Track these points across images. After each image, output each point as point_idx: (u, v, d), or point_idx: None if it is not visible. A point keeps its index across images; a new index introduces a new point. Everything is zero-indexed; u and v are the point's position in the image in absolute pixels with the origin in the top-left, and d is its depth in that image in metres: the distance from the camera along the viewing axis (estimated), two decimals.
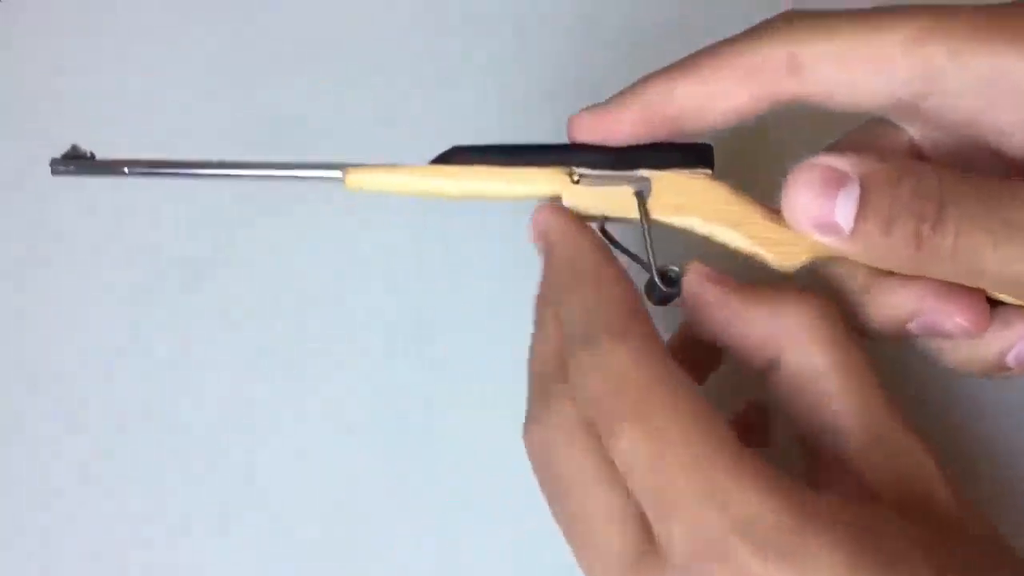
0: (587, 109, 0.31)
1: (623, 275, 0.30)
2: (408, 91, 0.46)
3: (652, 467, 0.25)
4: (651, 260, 0.31)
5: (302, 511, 0.40)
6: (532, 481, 0.29)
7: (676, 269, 0.31)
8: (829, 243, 0.29)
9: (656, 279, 0.31)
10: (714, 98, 0.29)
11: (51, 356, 0.43)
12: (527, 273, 0.32)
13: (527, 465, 0.29)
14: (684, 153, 0.31)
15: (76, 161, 0.32)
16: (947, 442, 0.38)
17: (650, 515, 0.26)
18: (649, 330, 0.28)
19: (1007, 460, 0.39)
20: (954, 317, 0.29)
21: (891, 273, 0.29)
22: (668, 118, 0.30)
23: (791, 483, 0.25)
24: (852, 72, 0.28)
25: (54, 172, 0.32)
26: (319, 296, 0.43)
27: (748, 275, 0.31)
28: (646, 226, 0.31)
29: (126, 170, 0.32)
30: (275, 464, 0.41)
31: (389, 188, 0.31)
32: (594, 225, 0.31)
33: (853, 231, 0.28)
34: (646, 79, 0.30)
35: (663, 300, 0.31)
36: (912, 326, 0.30)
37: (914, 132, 0.31)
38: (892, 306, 0.30)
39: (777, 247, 0.30)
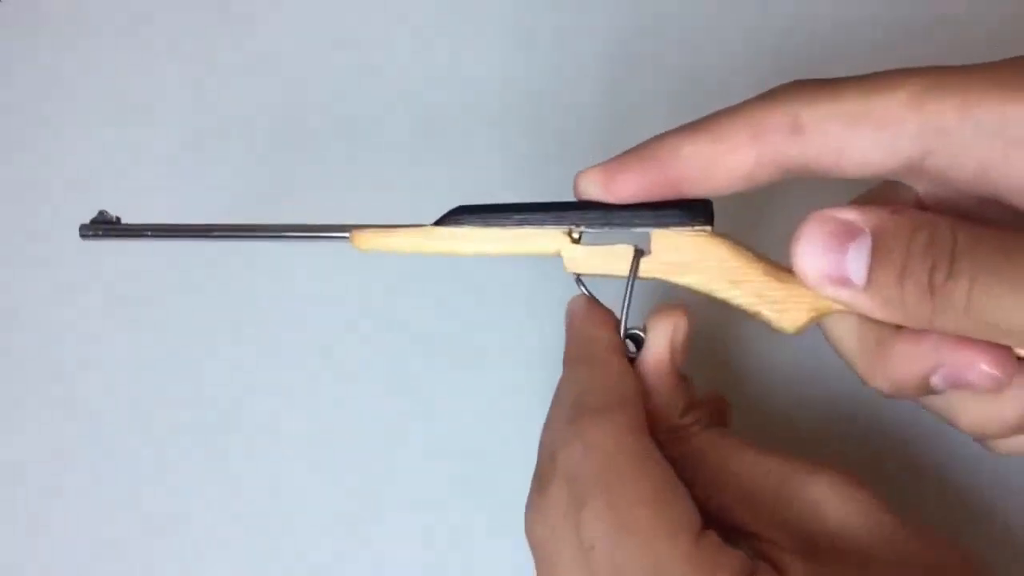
0: (593, 167, 0.31)
1: (620, 359, 0.31)
2: (412, 153, 0.47)
3: (610, 548, 0.27)
4: (624, 320, 0.32)
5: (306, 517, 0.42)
6: None
7: (641, 334, 0.32)
8: (841, 297, 0.28)
9: (625, 340, 0.32)
10: (719, 159, 0.29)
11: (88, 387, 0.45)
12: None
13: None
14: (683, 210, 0.30)
15: (103, 226, 0.34)
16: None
17: None
18: (634, 412, 0.29)
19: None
20: (978, 365, 0.28)
21: (901, 328, 0.29)
22: (673, 178, 0.30)
23: (740, 570, 0.27)
24: (855, 133, 0.28)
25: (83, 236, 0.34)
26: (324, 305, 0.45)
27: None
28: (630, 286, 0.31)
29: (149, 233, 0.34)
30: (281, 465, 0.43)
31: (394, 248, 0.32)
32: (572, 276, 0.32)
33: (866, 283, 0.27)
34: (653, 139, 0.30)
35: (630, 359, 0.32)
36: (935, 380, 0.29)
37: (922, 191, 0.30)
38: (911, 360, 0.29)
39: (779, 305, 0.30)
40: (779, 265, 0.30)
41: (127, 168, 0.47)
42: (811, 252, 0.28)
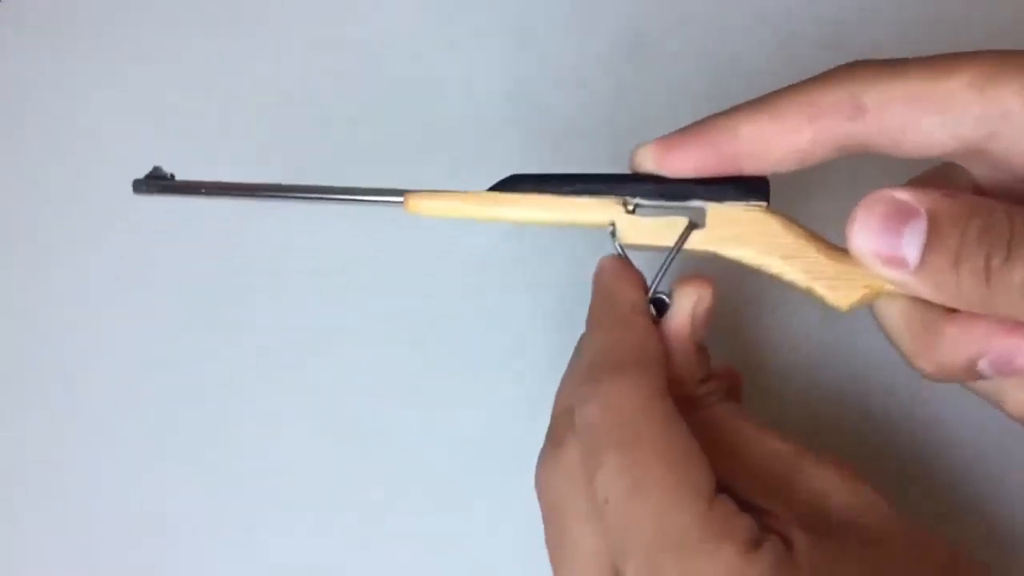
0: (652, 142, 0.31)
1: (646, 319, 0.31)
2: (413, 154, 0.47)
3: (625, 501, 0.27)
4: (655, 284, 0.32)
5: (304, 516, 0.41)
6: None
7: (666, 299, 0.32)
8: (893, 277, 0.28)
9: (649, 303, 0.32)
10: (776, 138, 0.29)
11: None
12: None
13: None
14: (740, 185, 0.31)
15: (157, 181, 0.34)
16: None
17: (615, 550, 0.27)
18: (656, 373, 0.29)
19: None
20: None
21: (951, 311, 0.29)
22: (731, 156, 0.30)
23: (748, 536, 0.27)
24: (917, 114, 0.28)
25: (136, 191, 0.33)
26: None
27: None
28: (673, 253, 0.31)
29: (203, 191, 0.33)
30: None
31: (448, 213, 0.32)
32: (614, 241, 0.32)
33: (919, 265, 0.27)
34: (711, 117, 0.31)
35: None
36: (982, 365, 0.29)
37: (979, 175, 0.31)
38: (959, 344, 0.29)
39: (832, 282, 0.30)
40: (832, 244, 0.31)
41: (128, 169, 0.46)
42: (866, 231, 0.28)
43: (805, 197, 0.41)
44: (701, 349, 0.32)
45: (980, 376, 0.29)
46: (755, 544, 0.27)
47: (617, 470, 0.27)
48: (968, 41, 0.29)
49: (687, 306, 0.31)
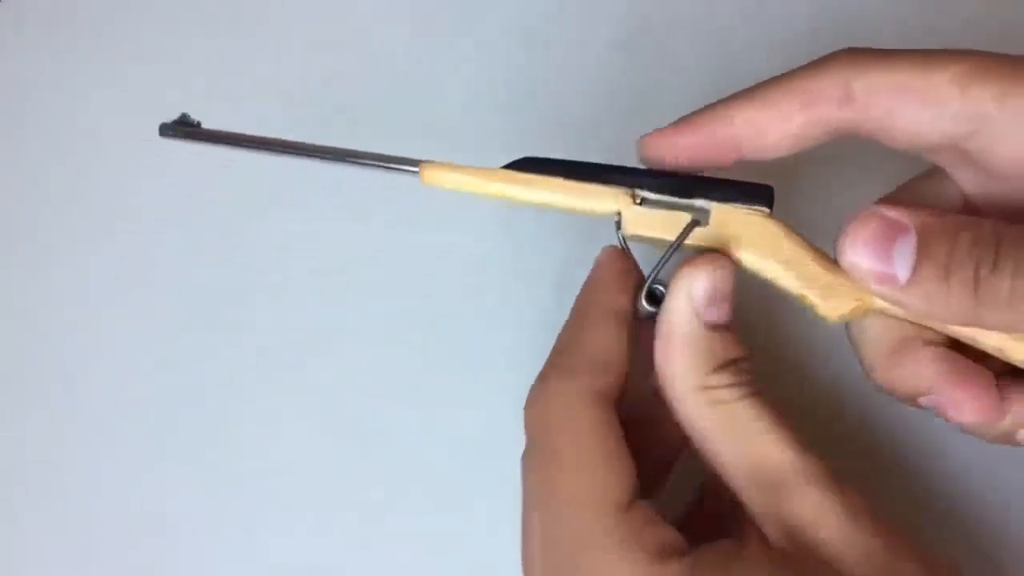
0: (654, 131, 0.32)
1: (613, 323, 0.31)
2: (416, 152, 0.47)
3: (537, 510, 0.28)
4: (651, 277, 0.32)
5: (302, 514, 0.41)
6: None
7: (662, 289, 0.31)
8: (885, 293, 0.29)
9: (643, 294, 0.32)
10: (770, 125, 0.30)
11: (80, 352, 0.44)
12: None
13: None
14: (745, 189, 0.31)
15: (184, 128, 0.34)
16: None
17: (541, 555, 0.28)
18: (600, 379, 0.30)
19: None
20: (964, 407, 0.30)
21: (922, 342, 0.30)
22: (727, 142, 0.31)
23: (661, 545, 0.27)
24: (901, 104, 0.29)
25: (162, 134, 0.34)
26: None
27: None
28: (672, 248, 0.31)
29: (227, 141, 0.34)
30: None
31: (461, 187, 0.33)
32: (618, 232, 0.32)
33: (910, 279, 0.28)
34: (707, 107, 0.31)
35: (647, 316, 0.32)
36: (924, 400, 0.31)
37: (965, 181, 0.31)
38: (909, 378, 0.30)
39: (825, 292, 0.31)
40: (829, 257, 0.31)
41: (129, 170, 0.47)
42: (857, 247, 0.29)
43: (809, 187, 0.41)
44: (719, 330, 0.30)
45: (921, 407, 0.31)
46: (669, 553, 0.27)
47: (538, 480, 0.28)
48: (969, 42, 0.30)
49: (683, 291, 0.30)
